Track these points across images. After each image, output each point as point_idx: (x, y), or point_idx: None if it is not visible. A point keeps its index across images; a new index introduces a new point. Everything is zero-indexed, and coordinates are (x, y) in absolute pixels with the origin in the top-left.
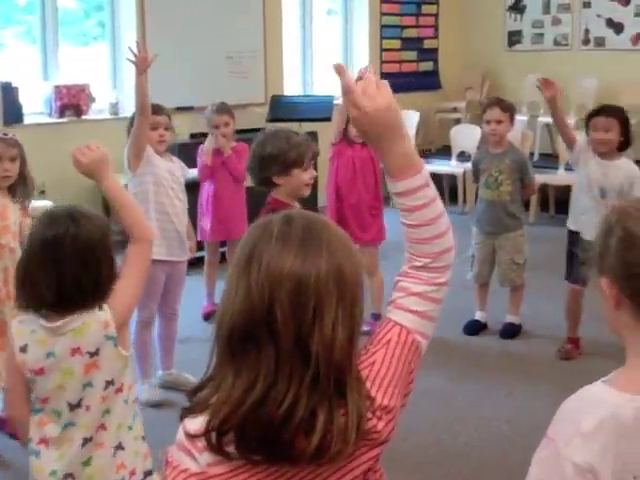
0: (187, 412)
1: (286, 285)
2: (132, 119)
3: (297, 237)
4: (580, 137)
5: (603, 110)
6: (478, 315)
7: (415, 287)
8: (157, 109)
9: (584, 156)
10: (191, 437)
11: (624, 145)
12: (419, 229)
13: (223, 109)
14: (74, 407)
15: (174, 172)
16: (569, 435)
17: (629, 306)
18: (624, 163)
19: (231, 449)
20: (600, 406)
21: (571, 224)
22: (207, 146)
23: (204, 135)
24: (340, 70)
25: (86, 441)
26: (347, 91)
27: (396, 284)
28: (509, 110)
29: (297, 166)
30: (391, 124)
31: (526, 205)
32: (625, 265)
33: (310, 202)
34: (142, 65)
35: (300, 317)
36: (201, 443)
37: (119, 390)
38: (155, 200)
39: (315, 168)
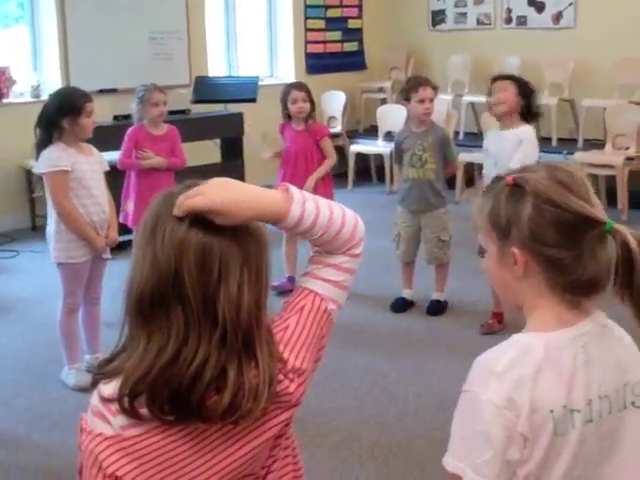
0: (101, 376)
1: (190, 251)
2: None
3: None
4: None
5: (499, 76)
6: (405, 293)
7: (331, 259)
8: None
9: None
10: (105, 401)
11: (527, 114)
12: (326, 233)
13: (161, 88)
14: None
15: (93, 165)
16: (484, 380)
17: (537, 272)
18: (519, 130)
19: (144, 411)
20: (511, 348)
21: None
22: (158, 161)
23: (126, 117)
24: None
25: None
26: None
27: (312, 258)
28: (436, 89)
29: None
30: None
31: (451, 183)
32: (537, 233)
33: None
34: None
35: (206, 279)
36: (115, 406)
37: None
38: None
39: None
